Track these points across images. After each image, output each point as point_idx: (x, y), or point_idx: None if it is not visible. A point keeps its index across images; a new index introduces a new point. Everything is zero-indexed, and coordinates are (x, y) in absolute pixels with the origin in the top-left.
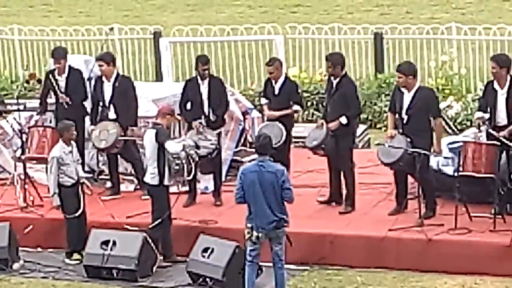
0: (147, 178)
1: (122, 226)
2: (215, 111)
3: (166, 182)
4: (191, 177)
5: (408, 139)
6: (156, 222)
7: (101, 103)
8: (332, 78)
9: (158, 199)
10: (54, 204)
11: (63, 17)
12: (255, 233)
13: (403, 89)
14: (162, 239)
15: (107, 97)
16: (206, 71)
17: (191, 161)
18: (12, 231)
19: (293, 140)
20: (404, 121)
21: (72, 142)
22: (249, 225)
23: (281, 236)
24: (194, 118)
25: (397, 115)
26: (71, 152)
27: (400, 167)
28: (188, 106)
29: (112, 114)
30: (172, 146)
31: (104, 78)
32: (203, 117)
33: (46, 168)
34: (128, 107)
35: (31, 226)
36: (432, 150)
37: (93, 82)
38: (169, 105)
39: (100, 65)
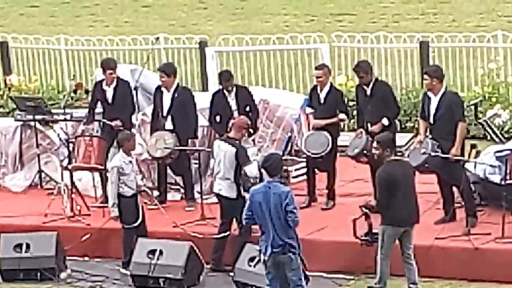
0: (223, 191)
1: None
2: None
3: (243, 194)
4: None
5: (436, 143)
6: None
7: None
8: (364, 86)
9: (236, 210)
10: (112, 215)
11: (109, 26)
12: (262, 256)
13: (429, 94)
14: (221, 248)
15: (166, 107)
16: (230, 86)
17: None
18: (59, 241)
19: (339, 148)
20: (432, 126)
21: (132, 152)
22: (257, 247)
23: (291, 262)
24: (226, 130)
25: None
26: (131, 162)
27: (427, 169)
28: (218, 119)
29: (169, 125)
30: (252, 170)
31: (163, 89)
32: None
33: (101, 178)
34: (187, 118)
35: (89, 235)
36: (451, 153)
37: (139, 92)
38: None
39: (161, 77)
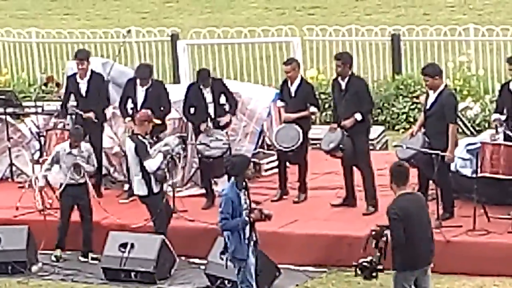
0: (136, 190)
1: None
2: (221, 114)
3: (155, 190)
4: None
5: (427, 139)
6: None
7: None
8: (339, 78)
9: (152, 207)
10: (39, 185)
11: (80, 19)
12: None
13: (429, 90)
14: None
15: (140, 101)
16: (206, 84)
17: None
18: (31, 234)
19: (311, 142)
20: (426, 122)
21: (83, 148)
22: None
23: (233, 263)
24: (200, 121)
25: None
26: (70, 154)
27: (412, 164)
28: (192, 110)
29: None
30: (151, 165)
31: (138, 82)
32: (208, 119)
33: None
34: (161, 111)
35: None
36: (446, 158)
37: (110, 85)
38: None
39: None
